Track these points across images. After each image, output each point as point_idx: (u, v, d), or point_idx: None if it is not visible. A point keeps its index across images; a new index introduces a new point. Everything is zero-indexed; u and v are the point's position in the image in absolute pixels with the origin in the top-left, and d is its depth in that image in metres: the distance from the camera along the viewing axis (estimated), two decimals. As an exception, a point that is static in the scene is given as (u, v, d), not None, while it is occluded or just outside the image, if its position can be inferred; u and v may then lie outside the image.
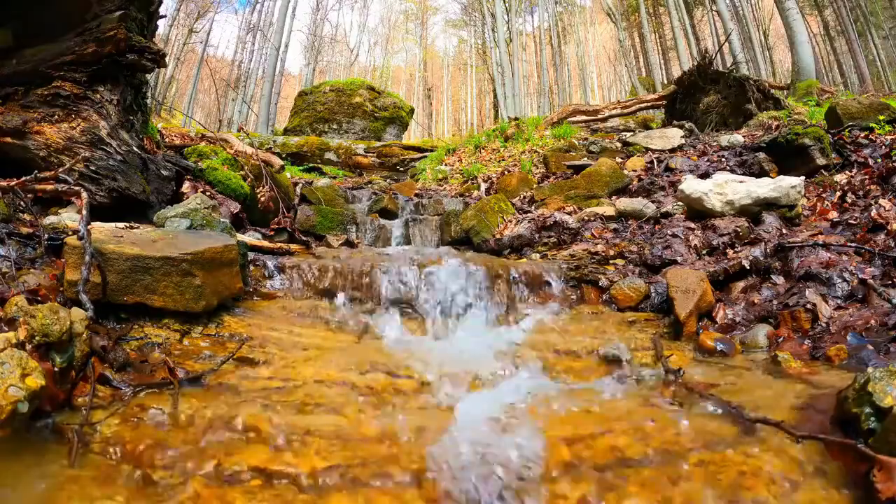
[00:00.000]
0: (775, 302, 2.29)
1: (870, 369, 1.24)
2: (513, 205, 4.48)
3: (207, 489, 1.12)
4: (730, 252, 2.79)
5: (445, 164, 7.92)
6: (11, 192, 2.39)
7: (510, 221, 4.10)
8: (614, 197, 4.43)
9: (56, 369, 1.37)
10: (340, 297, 2.53)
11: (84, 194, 2.15)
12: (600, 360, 1.96)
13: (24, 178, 2.33)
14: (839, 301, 2.15)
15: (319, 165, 8.99)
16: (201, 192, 3.51)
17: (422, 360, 1.87)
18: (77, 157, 2.71)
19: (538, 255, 3.47)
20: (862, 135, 4.14)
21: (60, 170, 2.47)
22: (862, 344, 1.84)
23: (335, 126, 12.26)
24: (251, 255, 2.72)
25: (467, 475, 1.17)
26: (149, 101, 3.82)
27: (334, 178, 7.93)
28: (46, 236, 2.20)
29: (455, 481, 1.16)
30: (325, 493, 1.13)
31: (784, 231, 2.95)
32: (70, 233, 2.23)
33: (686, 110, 7.66)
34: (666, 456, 1.22)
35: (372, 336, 2.20)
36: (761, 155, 4.34)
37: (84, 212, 1.96)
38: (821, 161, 3.89)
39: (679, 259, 2.86)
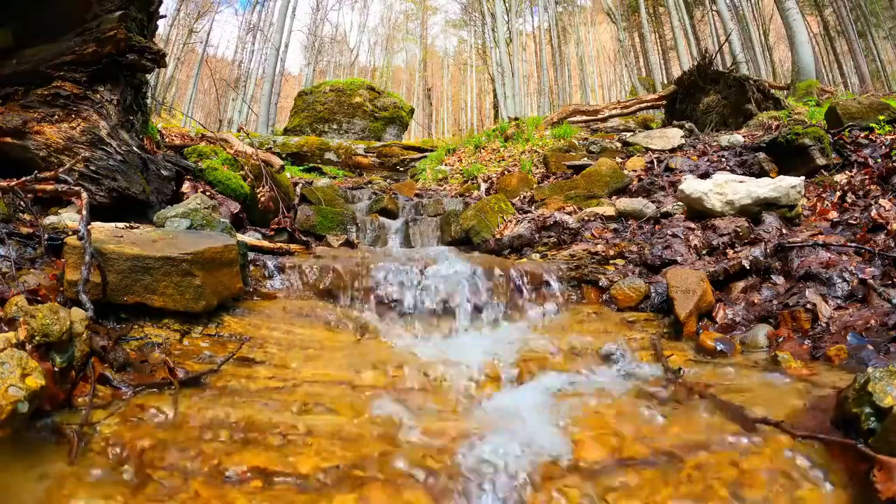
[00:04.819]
0: (775, 302, 2.29)
1: (870, 369, 1.24)
2: (513, 205, 4.48)
3: (207, 489, 1.11)
4: (730, 252, 2.79)
5: (445, 164, 7.92)
6: (11, 192, 2.39)
7: (510, 221, 4.10)
8: (614, 197, 4.43)
9: (56, 369, 1.37)
10: (340, 297, 2.53)
11: (84, 194, 2.15)
12: (600, 360, 1.96)
13: (24, 178, 2.33)
14: (839, 301, 2.15)
15: (319, 165, 8.99)
16: (201, 192, 3.51)
17: (421, 361, 1.87)
18: (77, 157, 2.71)
19: (538, 255, 3.47)
20: (862, 135, 4.14)
21: (60, 170, 2.47)
22: (862, 344, 1.84)
23: (335, 126, 12.26)
24: (251, 255, 2.72)
25: (466, 475, 1.17)
26: (149, 101, 3.82)
27: (334, 178, 7.93)
28: (46, 236, 2.19)
29: (454, 480, 1.16)
30: (325, 493, 1.13)
31: (784, 231, 2.95)
32: (70, 233, 2.23)
33: (686, 110, 7.66)
34: (666, 455, 1.22)
35: (372, 336, 2.20)
36: (761, 155, 4.34)
37: (84, 212, 1.96)
38: (821, 161, 3.89)
39: (679, 259, 2.86)
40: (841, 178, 3.59)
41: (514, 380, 1.80)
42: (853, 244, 2.46)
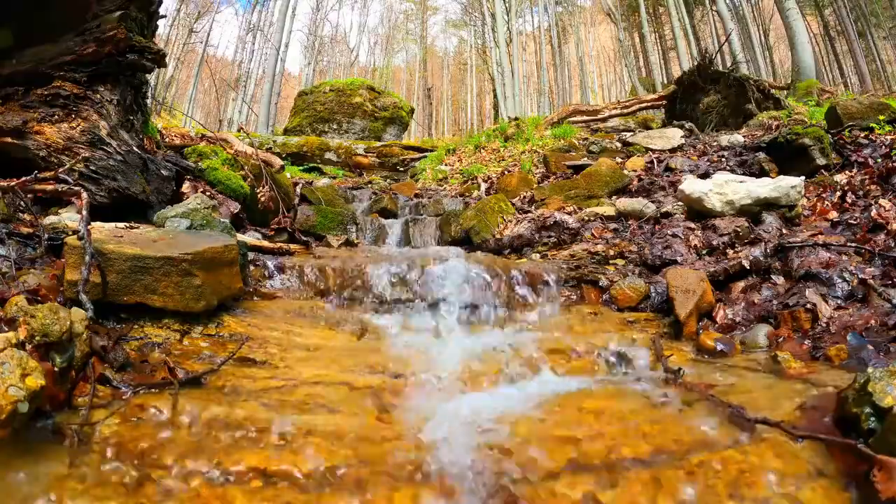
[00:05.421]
0: (775, 302, 2.29)
1: (870, 369, 1.24)
2: (513, 205, 4.48)
3: (207, 489, 1.12)
4: (730, 252, 2.79)
5: (445, 164, 7.92)
6: (11, 192, 2.39)
7: (510, 221, 4.10)
8: (614, 197, 4.43)
9: (56, 369, 1.37)
10: (340, 297, 2.53)
11: (84, 194, 2.15)
12: (600, 360, 1.96)
13: (24, 178, 2.33)
14: (839, 301, 2.15)
15: (319, 165, 8.99)
16: (201, 192, 3.51)
17: (422, 360, 1.87)
18: (77, 157, 2.71)
19: (538, 255, 3.47)
20: (862, 135, 4.14)
21: (60, 170, 2.47)
22: (862, 344, 1.84)
23: (335, 126, 12.26)
24: (251, 255, 2.72)
25: (466, 475, 1.17)
26: (149, 101, 3.82)
27: (334, 178, 7.93)
28: (46, 236, 2.19)
29: (453, 481, 1.16)
30: (326, 493, 1.13)
31: (784, 231, 2.95)
32: (70, 233, 2.23)
33: (686, 110, 7.66)
34: (666, 455, 1.22)
35: (372, 335, 2.20)
36: (761, 155, 4.34)
37: (84, 212, 1.96)
38: (821, 161, 3.89)
39: (679, 259, 2.86)
40: (841, 178, 3.59)
41: (514, 380, 1.80)
42: (853, 244, 2.46)
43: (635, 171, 5.01)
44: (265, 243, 3.10)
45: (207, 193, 3.54)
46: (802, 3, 16.08)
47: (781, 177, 3.32)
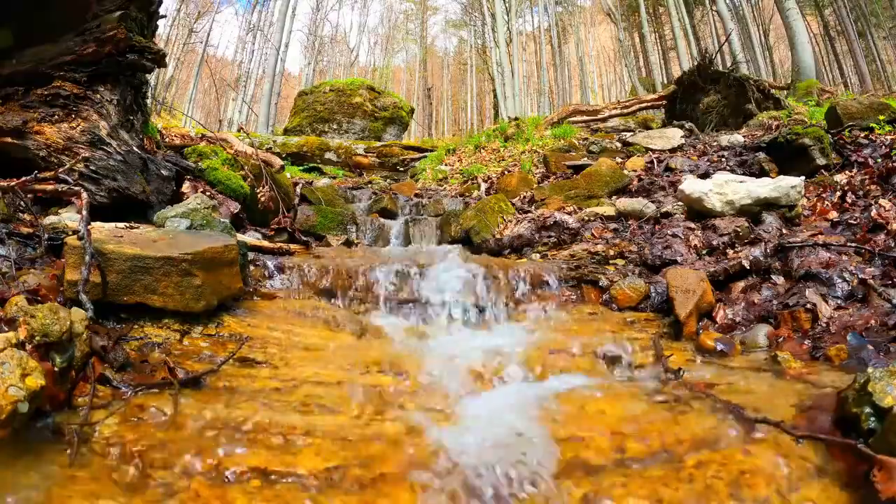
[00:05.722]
0: (775, 302, 2.29)
1: (870, 369, 1.24)
2: (513, 205, 4.48)
3: (207, 489, 1.12)
4: (730, 252, 2.79)
5: (445, 164, 7.92)
6: (11, 192, 2.39)
7: (510, 221, 4.10)
8: (614, 197, 4.43)
9: (56, 369, 1.37)
10: (340, 297, 2.53)
11: (84, 194, 2.15)
12: (600, 360, 1.96)
13: (24, 178, 2.33)
14: (839, 301, 2.15)
15: (319, 165, 8.99)
16: (201, 192, 3.51)
17: (422, 360, 1.87)
18: (77, 157, 2.71)
19: (538, 255, 3.47)
20: (862, 135, 4.14)
21: (60, 170, 2.47)
22: (862, 344, 1.84)
23: (335, 126, 12.26)
24: (251, 255, 2.72)
25: (467, 474, 1.17)
26: (149, 101, 3.82)
27: (334, 178, 7.93)
28: (46, 236, 2.19)
29: (454, 480, 1.16)
30: (325, 494, 1.13)
31: (784, 231, 2.95)
32: (70, 233, 2.23)
33: (686, 110, 7.67)
34: (667, 455, 1.22)
35: (372, 335, 2.20)
36: (761, 155, 4.35)
37: (84, 212, 1.96)
38: (821, 161, 3.89)
39: (679, 259, 2.86)
40: (841, 178, 3.59)
41: (514, 380, 1.80)
42: (853, 244, 2.46)
43: (635, 171, 5.01)
44: (265, 243, 3.10)
45: (207, 193, 3.54)
46: (802, 3, 16.08)
47: (781, 177, 3.32)
